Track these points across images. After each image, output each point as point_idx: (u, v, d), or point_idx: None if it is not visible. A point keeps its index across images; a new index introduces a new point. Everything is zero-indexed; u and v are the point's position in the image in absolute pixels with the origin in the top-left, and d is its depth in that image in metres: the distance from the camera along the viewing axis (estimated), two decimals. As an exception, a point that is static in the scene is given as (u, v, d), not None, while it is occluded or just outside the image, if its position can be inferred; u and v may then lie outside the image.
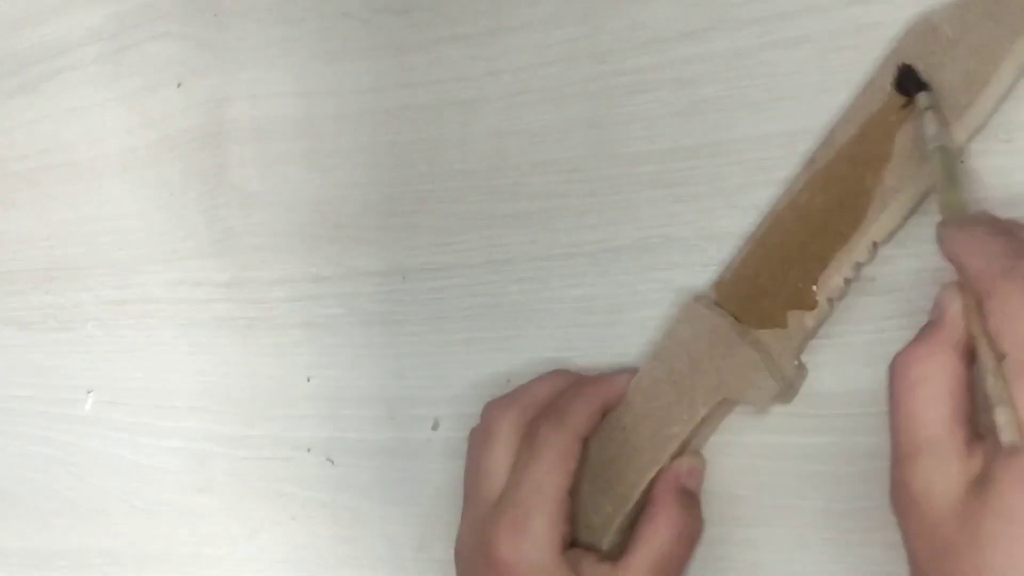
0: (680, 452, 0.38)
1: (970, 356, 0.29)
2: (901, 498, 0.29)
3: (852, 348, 0.37)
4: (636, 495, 0.38)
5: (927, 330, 0.30)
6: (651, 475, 0.38)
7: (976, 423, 0.29)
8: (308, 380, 0.49)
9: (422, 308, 0.46)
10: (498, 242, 0.44)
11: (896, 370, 0.29)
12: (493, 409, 0.40)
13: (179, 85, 0.53)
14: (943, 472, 0.28)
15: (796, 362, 0.37)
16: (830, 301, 0.37)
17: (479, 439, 0.40)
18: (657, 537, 0.37)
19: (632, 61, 0.41)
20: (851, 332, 0.37)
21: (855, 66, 0.38)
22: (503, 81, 0.44)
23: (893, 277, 0.37)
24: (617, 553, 0.38)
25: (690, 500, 0.38)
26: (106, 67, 0.55)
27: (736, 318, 0.38)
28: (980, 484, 0.28)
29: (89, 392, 0.55)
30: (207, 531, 0.51)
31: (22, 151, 0.58)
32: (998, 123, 0.35)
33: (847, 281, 0.37)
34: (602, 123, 0.42)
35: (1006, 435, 0.27)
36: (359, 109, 0.48)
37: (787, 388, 0.37)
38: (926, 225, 0.36)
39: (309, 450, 0.49)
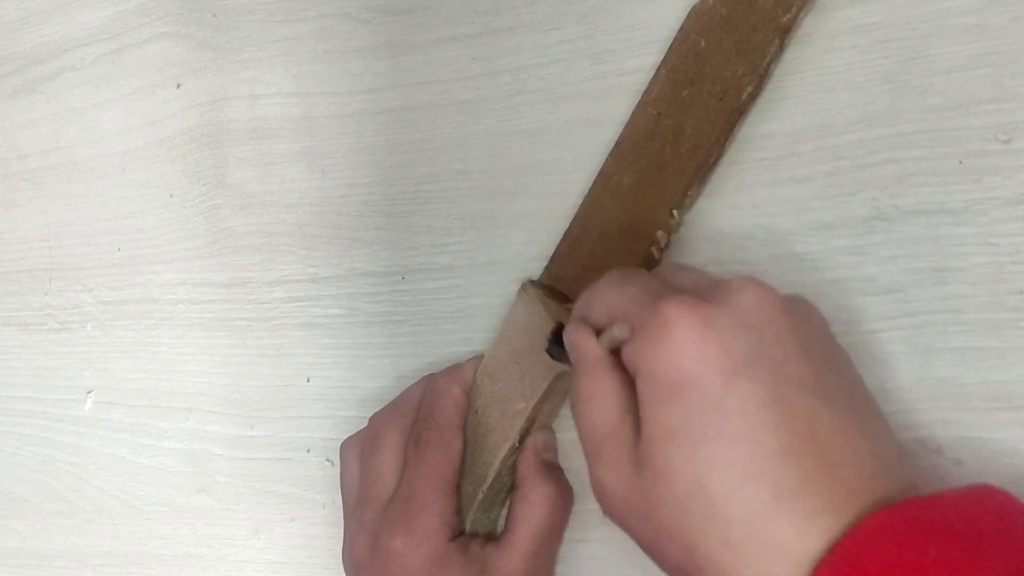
0: (528, 427, 0.40)
1: (624, 371, 0.32)
2: (600, 497, 0.32)
3: (852, 348, 0.37)
4: (491, 473, 0.40)
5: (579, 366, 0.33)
6: (503, 452, 0.40)
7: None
8: (308, 381, 0.49)
9: (422, 308, 0.46)
10: (497, 242, 0.44)
11: (572, 400, 0.33)
12: (378, 419, 0.43)
13: (179, 86, 0.53)
14: (617, 460, 0.31)
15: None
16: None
17: (368, 448, 0.42)
18: (533, 513, 0.39)
19: (631, 61, 0.41)
20: (851, 332, 0.37)
21: (855, 66, 0.38)
22: (502, 81, 0.44)
23: (893, 277, 0.37)
24: (499, 535, 0.41)
25: (554, 471, 0.41)
26: (106, 68, 0.55)
27: (566, 296, 0.40)
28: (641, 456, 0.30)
29: (89, 392, 0.55)
30: (206, 532, 0.51)
31: (22, 151, 0.58)
32: (997, 123, 0.35)
33: (658, 250, 0.39)
34: (601, 123, 0.42)
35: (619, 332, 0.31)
36: (358, 109, 0.48)
37: None
38: (923, 226, 0.36)
39: (309, 451, 0.49)
